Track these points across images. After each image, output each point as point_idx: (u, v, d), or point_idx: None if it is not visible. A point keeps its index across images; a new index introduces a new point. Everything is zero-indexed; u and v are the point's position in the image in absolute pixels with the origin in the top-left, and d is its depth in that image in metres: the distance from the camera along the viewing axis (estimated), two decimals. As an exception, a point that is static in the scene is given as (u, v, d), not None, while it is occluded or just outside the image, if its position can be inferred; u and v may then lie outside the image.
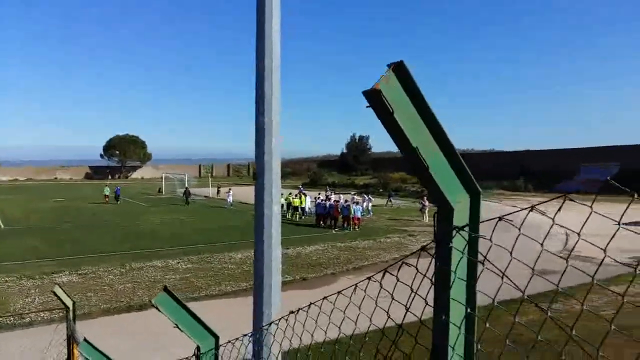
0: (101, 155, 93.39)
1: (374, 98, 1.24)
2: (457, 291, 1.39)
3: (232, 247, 21.91)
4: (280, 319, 2.31)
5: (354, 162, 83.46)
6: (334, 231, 27.37)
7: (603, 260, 1.06)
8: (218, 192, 50.97)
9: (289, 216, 32.63)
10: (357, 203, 30.06)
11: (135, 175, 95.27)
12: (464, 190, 1.41)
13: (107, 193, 45.53)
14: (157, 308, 2.87)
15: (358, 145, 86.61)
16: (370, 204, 35.40)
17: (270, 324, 3.75)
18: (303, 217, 32.71)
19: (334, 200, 30.87)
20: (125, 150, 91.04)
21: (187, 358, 3.08)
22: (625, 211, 1.07)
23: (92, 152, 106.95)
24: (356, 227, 27.75)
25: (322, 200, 30.81)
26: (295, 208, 33.22)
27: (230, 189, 42.93)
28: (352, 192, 45.47)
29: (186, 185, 47.53)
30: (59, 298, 6.14)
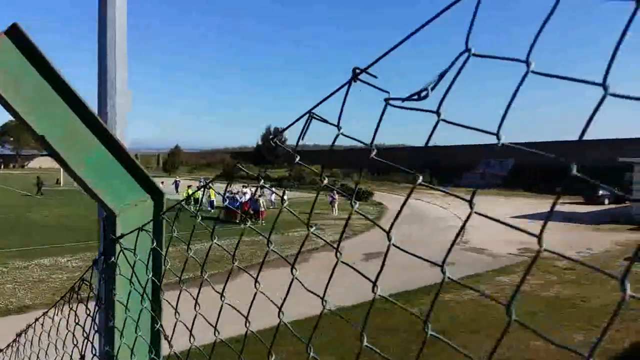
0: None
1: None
2: (124, 320, 1.12)
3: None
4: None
5: (268, 154, 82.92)
6: (243, 225, 27.04)
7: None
8: None
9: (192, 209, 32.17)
10: (262, 196, 30.10)
11: (33, 164, 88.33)
12: (142, 190, 1.20)
13: None
14: None
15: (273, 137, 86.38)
16: (273, 197, 35.38)
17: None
18: (211, 210, 32.18)
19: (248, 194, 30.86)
20: (19, 137, 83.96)
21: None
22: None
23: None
24: (262, 220, 27.95)
25: (230, 194, 30.30)
26: (196, 201, 32.73)
27: None
28: (268, 185, 45.08)
29: (38, 175, 45.58)
30: None
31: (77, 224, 26.22)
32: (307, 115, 0.78)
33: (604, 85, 0.46)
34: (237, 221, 28.24)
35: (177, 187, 48.74)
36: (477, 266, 17.61)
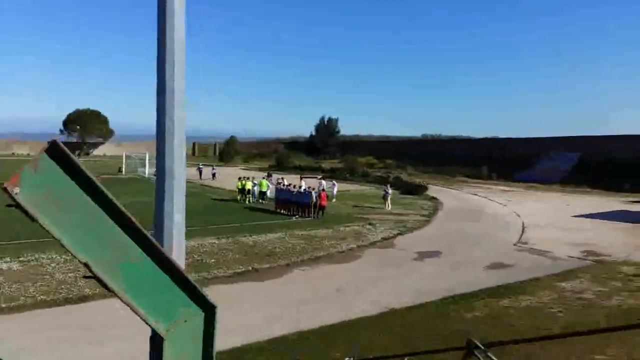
0: (61, 131, 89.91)
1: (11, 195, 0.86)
2: None
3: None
4: None
5: (322, 145, 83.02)
6: (294, 218, 26.92)
7: None
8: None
9: (247, 201, 32.41)
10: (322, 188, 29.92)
11: (97, 152, 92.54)
12: (191, 303, 1.09)
13: None
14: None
15: (327, 128, 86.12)
16: (335, 189, 35.25)
17: None
18: (262, 201, 32.16)
19: (307, 187, 30.44)
20: (85, 126, 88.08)
21: None
22: None
23: (54, 124, 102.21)
24: (321, 212, 27.08)
25: (283, 185, 30.32)
26: (248, 191, 32.88)
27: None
28: (319, 177, 45.22)
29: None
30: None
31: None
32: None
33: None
34: (287, 213, 28.04)
35: (200, 173, 48.66)
36: (537, 270, 16.78)
